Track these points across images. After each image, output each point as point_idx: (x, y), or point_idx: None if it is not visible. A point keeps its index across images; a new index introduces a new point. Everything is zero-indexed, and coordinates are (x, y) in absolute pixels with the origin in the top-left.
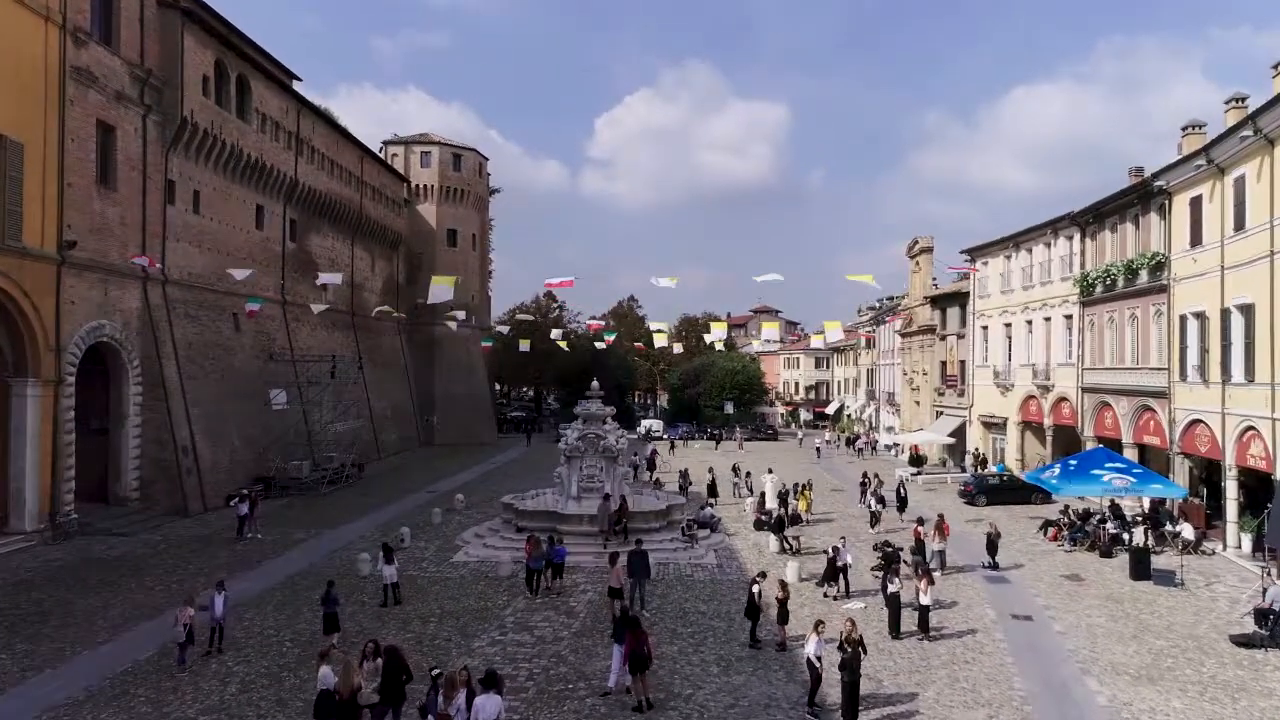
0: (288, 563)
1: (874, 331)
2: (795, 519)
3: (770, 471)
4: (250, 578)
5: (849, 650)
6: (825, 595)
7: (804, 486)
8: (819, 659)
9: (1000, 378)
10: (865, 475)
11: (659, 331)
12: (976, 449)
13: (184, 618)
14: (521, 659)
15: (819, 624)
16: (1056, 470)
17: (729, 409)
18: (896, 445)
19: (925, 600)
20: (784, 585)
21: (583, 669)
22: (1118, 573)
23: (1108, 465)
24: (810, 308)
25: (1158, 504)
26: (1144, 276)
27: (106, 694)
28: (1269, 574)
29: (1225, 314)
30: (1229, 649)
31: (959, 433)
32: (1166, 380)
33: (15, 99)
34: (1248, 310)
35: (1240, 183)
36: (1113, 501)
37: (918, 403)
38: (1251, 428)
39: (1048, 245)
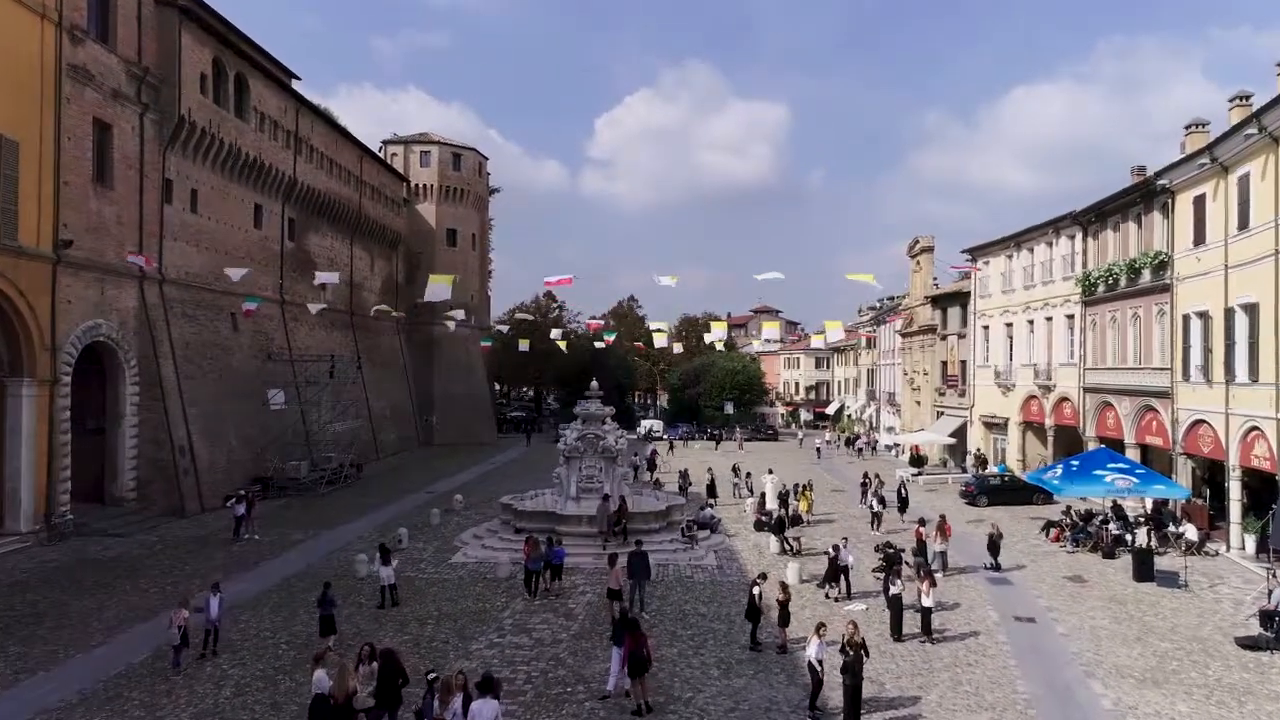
0: (285, 564)
1: (874, 331)
2: (796, 520)
3: (770, 472)
4: (247, 579)
5: (851, 653)
6: (827, 596)
7: (804, 487)
8: (820, 662)
9: (1001, 378)
10: (866, 476)
11: (659, 331)
12: (977, 449)
13: (178, 620)
14: (520, 661)
15: (820, 626)
16: (1059, 471)
17: (729, 409)
18: (897, 445)
19: (927, 602)
20: (785, 587)
21: (581, 672)
22: (1120, 574)
23: (1110, 466)
24: (810, 308)
25: (1160, 505)
26: (1147, 276)
27: (100, 697)
28: (1274, 575)
29: (1229, 313)
30: (1234, 651)
31: (960, 433)
32: (1169, 380)
33: (11, 97)
34: (1252, 309)
35: (1244, 181)
36: (1115, 502)
37: (918, 403)
38: (1255, 428)
39: (1049, 244)
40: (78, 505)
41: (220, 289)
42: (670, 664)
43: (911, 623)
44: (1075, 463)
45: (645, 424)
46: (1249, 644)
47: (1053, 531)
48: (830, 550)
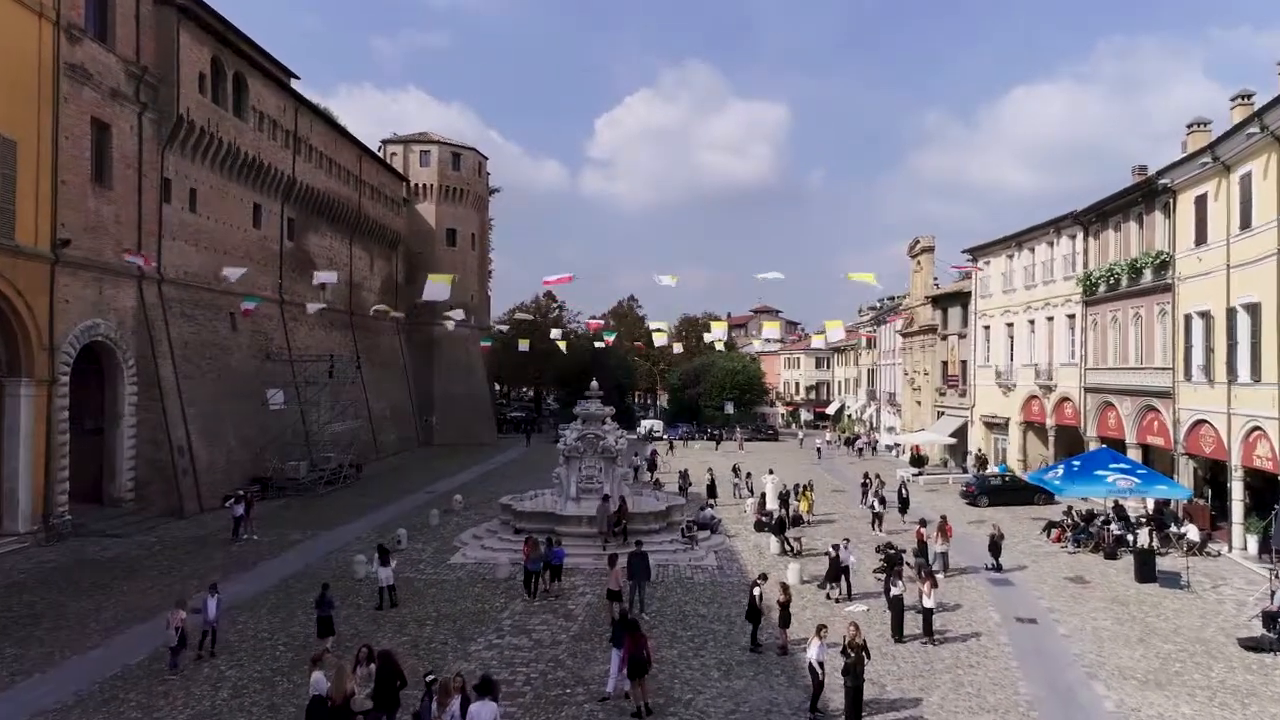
0: (283, 564)
1: (875, 331)
2: (796, 520)
3: (771, 472)
4: (245, 580)
5: (852, 655)
6: (828, 597)
7: (805, 487)
8: (821, 664)
9: (1002, 378)
10: (866, 476)
11: (658, 330)
12: (978, 449)
13: (175, 621)
14: (519, 663)
15: (821, 628)
16: (1060, 471)
17: (729, 409)
18: (897, 445)
19: (928, 603)
20: (785, 588)
21: (581, 673)
22: (1122, 575)
23: (1112, 466)
24: (811, 308)
25: (1162, 505)
26: (1148, 275)
27: (96, 699)
28: (1276, 576)
29: (1231, 313)
30: (1237, 653)
31: (960, 433)
32: (1171, 380)
33: (8, 96)
34: (1254, 309)
35: (1246, 180)
36: (1116, 502)
37: (919, 403)
38: (1258, 428)
39: (1050, 244)
40: (76, 506)
41: (219, 289)
42: (670, 665)
43: (912, 624)
44: (1077, 463)
45: (645, 424)
46: (1252, 645)
47: (1054, 532)
48: (831, 550)
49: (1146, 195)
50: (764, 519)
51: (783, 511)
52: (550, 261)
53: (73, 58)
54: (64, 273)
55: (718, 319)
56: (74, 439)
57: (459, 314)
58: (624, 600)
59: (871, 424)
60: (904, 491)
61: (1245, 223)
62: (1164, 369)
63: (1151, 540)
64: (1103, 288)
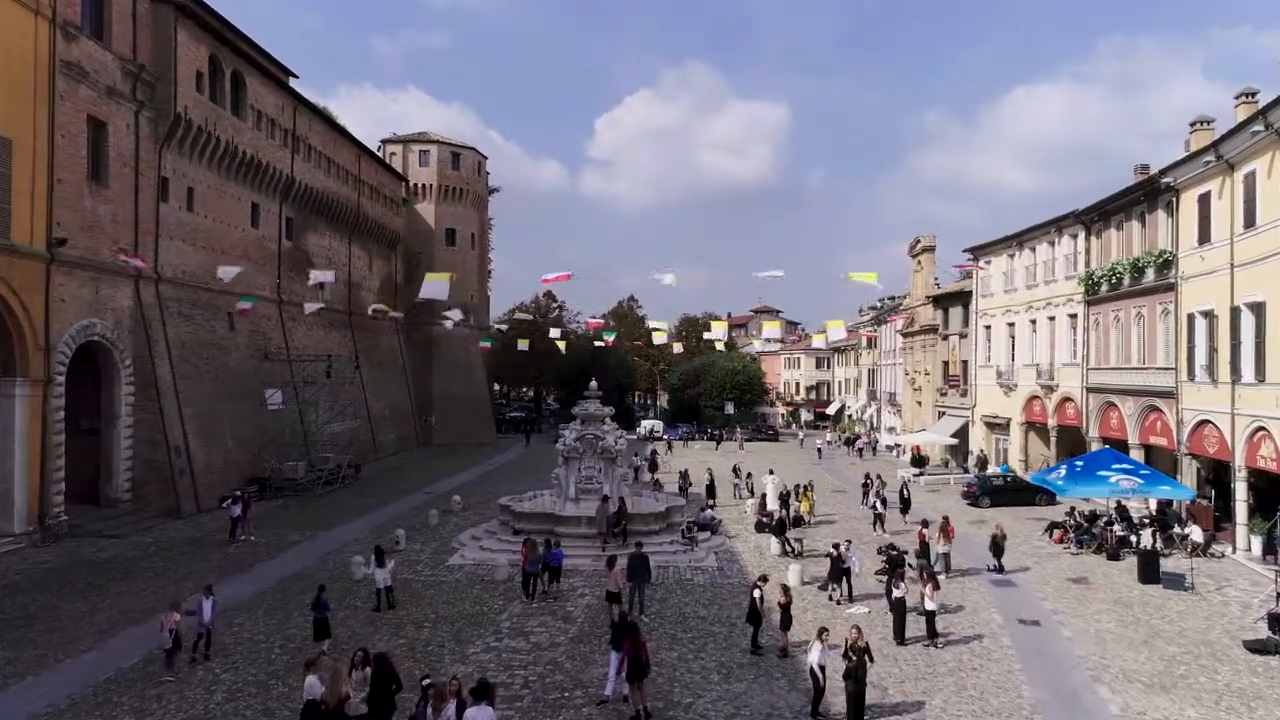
0: (281, 565)
1: (875, 331)
2: (797, 521)
3: (771, 472)
4: (242, 581)
5: (854, 658)
6: (830, 598)
7: (806, 488)
8: (822, 668)
9: (1003, 378)
10: (867, 476)
11: (657, 330)
12: (980, 450)
13: (170, 623)
14: (517, 666)
15: (822, 631)
16: (1063, 471)
17: (729, 409)
18: (898, 446)
19: (930, 605)
20: (786, 590)
21: (580, 676)
22: (1125, 576)
23: (1115, 466)
24: (811, 308)
25: (1165, 506)
26: (1150, 275)
27: (89, 702)
28: None
29: (1235, 312)
30: (1243, 655)
31: (961, 433)
32: (1174, 380)
33: (3, 94)
34: (1258, 309)
35: (1251, 179)
36: (1119, 503)
37: (919, 403)
38: (1262, 428)
39: (1052, 244)
40: (72, 506)
41: (217, 288)
42: (670, 668)
43: (914, 626)
44: (1079, 463)
45: (645, 424)
46: (1258, 648)
47: (1056, 533)
48: (832, 550)
49: (1149, 194)
50: (764, 520)
51: (783, 512)
52: (550, 261)
53: (69, 55)
54: (60, 272)
55: (718, 319)
56: (70, 439)
57: (457, 314)
58: (623, 602)
59: (872, 424)
60: (905, 492)
61: (1249, 221)
62: (1167, 369)
63: (1155, 541)
64: (1105, 287)
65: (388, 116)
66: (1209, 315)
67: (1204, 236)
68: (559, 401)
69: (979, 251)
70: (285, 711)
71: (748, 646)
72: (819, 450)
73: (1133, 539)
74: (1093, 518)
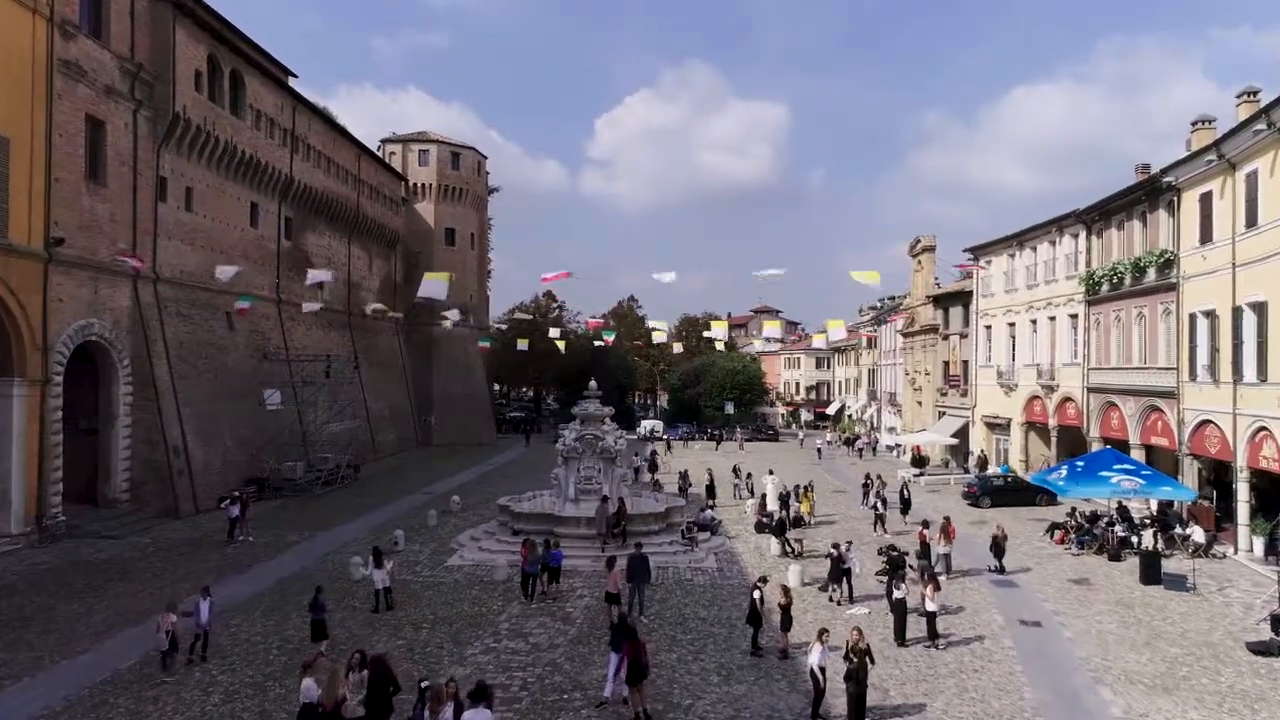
0: (279, 566)
1: (875, 331)
2: (797, 521)
3: (771, 473)
4: (239, 581)
5: (855, 660)
6: (830, 599)
7: (806, 488)
8: (822, 670)
9: (1004, 378)
10: (868, 477)
11: (656, 330)
12: (981, 450)
13: (166, 624)
14: (515, 667)
15: (823, 632)
16: (1064, 472)
17: (729, 409)
18: (898, 446)
19: (931, 606)
20: (786, 591)
21: (579, 678)
22: (1127, 577)
23: (1116, 467)
24: (811, 308)
25: (1166, 506)
26: (1152, 274)
27: (85, 704)
28: None
29: (1237, 312)
30: (1246, 657)
31: (962, 433)
32: (1175, 380)
33: (1, 93)
34: (1260, 308)
35: (1253, 178)
36: (1120, 504)
37: (920, 403)
38: (1264, 428)
39: (1053, 243)
40: (70, 507)
41: (215, 288)
42: (669, 670)
43: (915, 627)
44: (1080, 464)
45: (645, 424)
46: (1260, 649)
47: (1057, 533)
48: (832, 550)
49: (1150, 193)
50: (764, 520)
51: (783, 513)
52: (550, 262)
53: (67, 54)
54: (57, 271)
55: (718, 319)
56: (68, 439)
57: (455, 314)
58: (622, 603)
59: (872, 424)
60: (905, 492)
61: (1251, 220)
62: (1168, 369)
63: (1156, 542)
64: (1106, 287)
65: (388, 116)
66: (1210, 315)
67: (1206, 236)
68: (559, 401)
69: (979, 251)
70: (282, 714)
71: (748, 648)
72: (819, 450)
73: (1134, 540)
74: (1094, 518)
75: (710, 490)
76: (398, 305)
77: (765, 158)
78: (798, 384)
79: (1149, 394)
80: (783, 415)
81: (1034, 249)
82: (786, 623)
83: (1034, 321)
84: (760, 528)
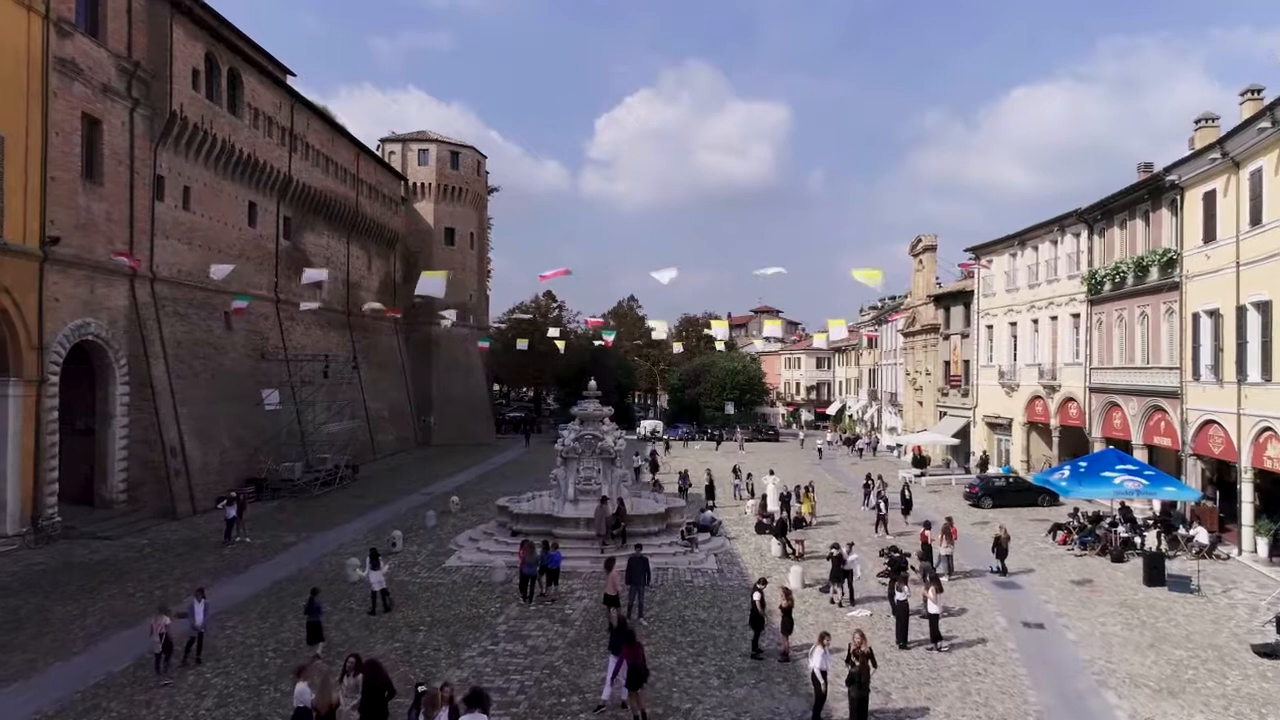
0: (276, 567)
1: (876, 331)
2: (798, 522)
3: (772, 473)
4: (236, 583)
5: (857, 663)
6: (832, 601)
7: (807, 489)
8: (824, 674)
9: (1005, 378)
10: (869, 477)
11: (654, 329)
12: (983, 450)
13: (159, 627)
14: (513, 670)
15: (824, 636)
16: (1066, 472)
17: (730, 409)
18: (899, 446)
19: (934, 609)
20: (788, 593)
21: (577, 681)
22: (1130, 578)
23: (1119, 467)
24: (811, 308)
25: (1169, 507)
26: (1154, 273)
27: (77, 708)
28: None
29: (1241, 311)
30: (1252, 659)
31: (963, 434)
32: (1178, 380)
33: None
34: (1265, 307)
35: (1257, 176)
36: (1123, 504)
37: (920, 403)
38: (1269, 428)
39: (1054, 243)
40: (67, 507)
41: (213, 287)
42: (669, 673)
43: (917, 629)
44: (1083, 464)
45: (646, 424)
46: (1266, 651)
47: (1060, 534)
48: (832, 550)
49: (1153, 192)
50: (765, 521)
51: (784, 513)
52: (550, 262)
53: (63, 52)
54: (53, 271)
55: (718, 318)
56: (65, 439)
57: (452, 313)
58: (621, 605)
59: (873, 424)
60: (906, 493)
61: (1255, 219)
62: (1171, 369)
63: (1160, 543)
64: (1108, 286)
65: (388, 116)
66: (1214, 314)
67: (1209, 235)
68: (559, 401)
69: (981, 251)
70: (276, 718)
71: (748, 650)
72: (819, 450)
73: (1137, 540)
74: (1096, 519)
75: (710, 491)
76: (397, 305)
77: (765, 158)
78: (798, 384)
79: (1152, 394)
80: (783, 415)
81: (1035, 248)
82: (788, 625)
83: (1035, 321)
84: (761, 528)
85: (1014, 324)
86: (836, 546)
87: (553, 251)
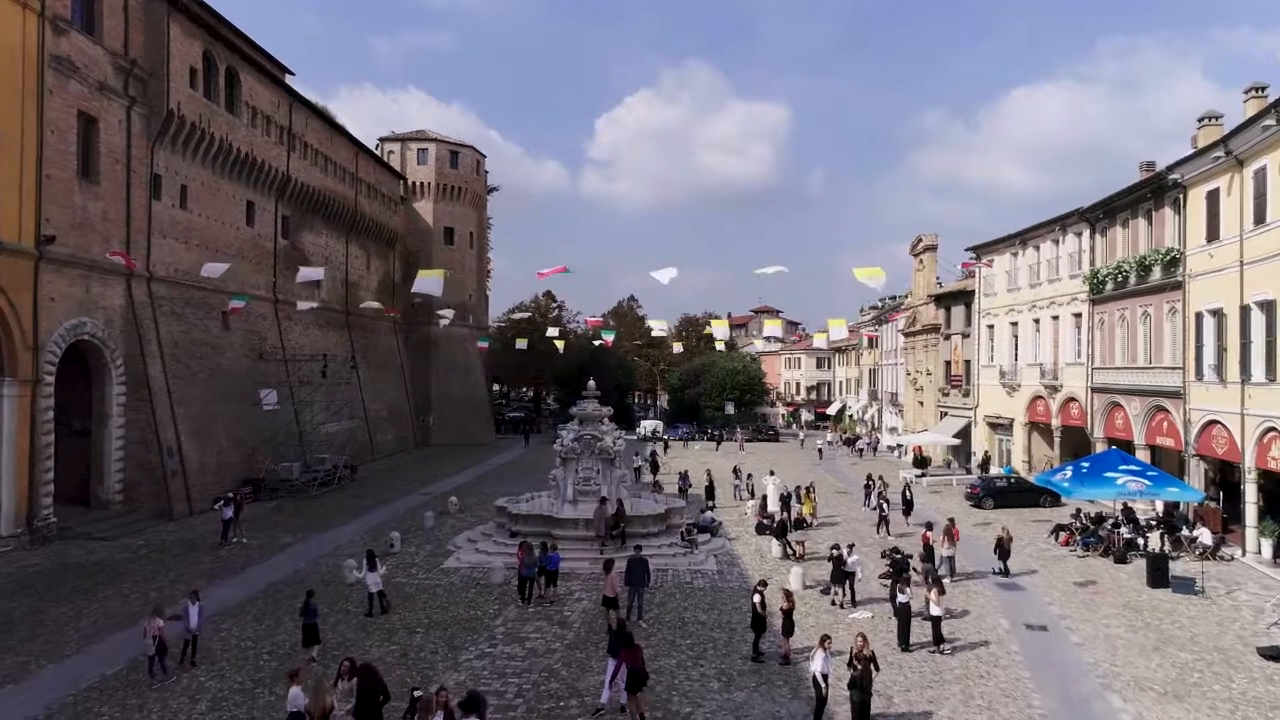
0: (272, 568)
1: (876, 331)
2: (799, 523)
3: (772, 473)
4: (232, 584)
5: (859, 667)
6: (833, 603)
7: (808, 489)
8: (825, 677)
9: (1006, 378)
10: (869, 478)
11: (654, 327)
12: (985, 450)
13: (152, 629)
14: (511, 673)
15: (825, 639)
16: (1069, 472)
17: (730, 409)
18: (900, 446)
19: (936, 611)
20: (789, 595)
21: (575, 684)
22: (1133, 579)
23: (1122, 468)
24: (811, 307)
25: (1172, 508)
26: (1157, 273)
27: (69, 711)
28: None
29: (1244, 311)
30: (1258, 662)
31: (964, 434)
32: (1181, 380)
33: None
34: (1268, 306)
35: (1261, 175)
36: (1125, 505)
37: (921, 403)
38: (1273, 429)
39: (1056, 242)
40: (63, 508)
41: (210, 286)
42: (669, 675)
43: (919, 631)
44: (1085, 464)
45: (646, 424)
46: (1272, 654)
47: (1062, 535)
48: (833, 551)
49: (1155, 191)
50: (765, 522)
51: (784, 514)
52: (550, 262)
53: (58, 50)
54: (49, 270)
55: (718, 318)
56: (61, 440)
57: (450, 312)
58: (620, 607)
59: (873, 424)
60: (908, 493)
61: (1259, 218)
62: (1174, 368)
63: (1163, 544)
64: (1110, 285)
65: (388, 116)
66: (1217, 314)
67: (1212, 234)
68: (558, 401)
69: (982, 250)
70: None
71: (749, 653)
72: (820, 451)
73: (1140, 541)
74: (1099, 520)
75: (710, 491)
76: (396, 304)
77: (765, 158)
78: (798, 384)
79: (1154, 394)
80: (783, 415)
81: (1037, 248)
82: (788, 627)
83: (1037, 321)
84: (761, 529)
85: (1015, 324)
86: (837, 547)
87: (553, 251)
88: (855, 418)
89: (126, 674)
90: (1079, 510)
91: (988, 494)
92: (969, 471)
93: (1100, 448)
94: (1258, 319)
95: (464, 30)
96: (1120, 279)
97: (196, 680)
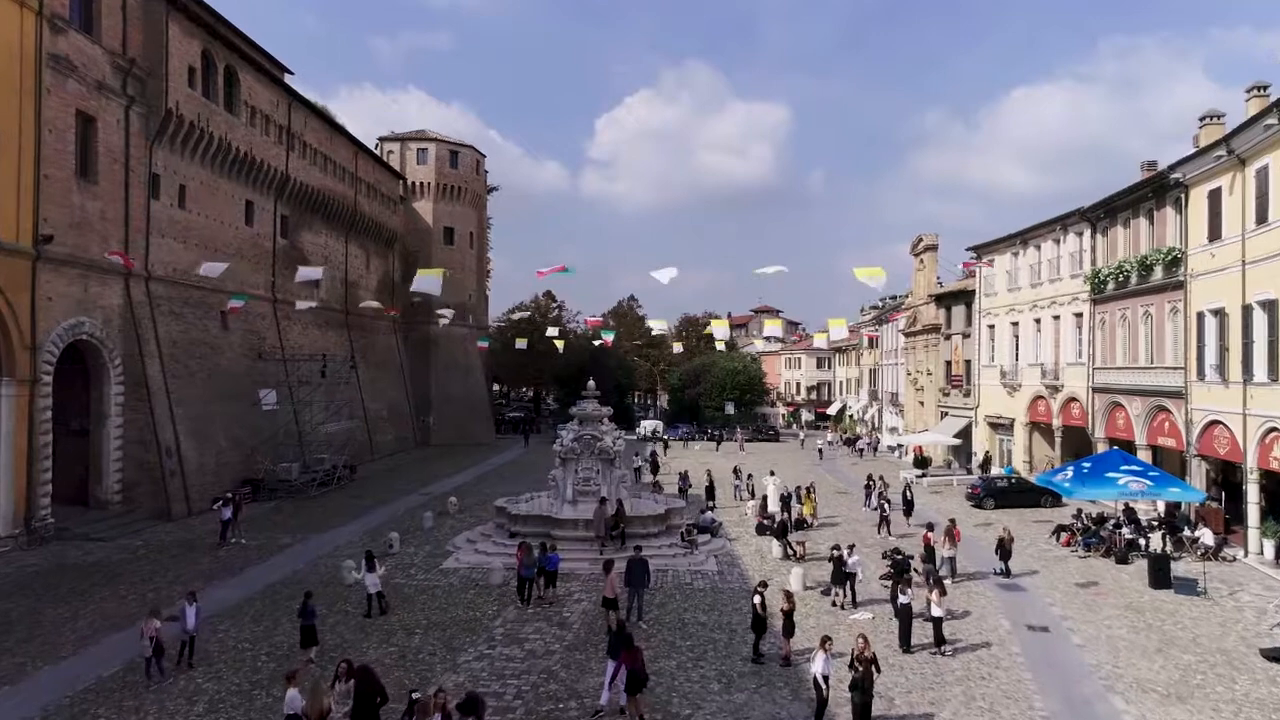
0: (271, 569)
1: (877, 331)
2: (799, 523)
3: (772, 473)
4: (230, 585)
5: (860, 669)
6: (834, 604)
7: (808, 489)
8: (825, 679)
9: (1007, 377)
10: (870, 478)
11: (655, 326)
12: (986, 451)
13: (149, 631)
14: (509, 675)
15: (826, 640)
16: (1070, 473)
17: (730, 409)
18: (900, 446)
19: (938, 611)
20: (789, 596)
21: (575, 686)
22: (1135, 580)
23: (1123, 468)
24: (812, 307)
25: (1173, 508)
26: (1159, 272)
27: (65, 713)
28: None
29: (1246, 310)
30: (1261, 663)
31: (964, 434)
32: (1183, 380)
33: None
34: (1270, 306)
35: (1263, 174)
36: (1127, 505)
37: (922, 403)
38: (1275, 429)
39: (1057, 242)
40: (61, 508)
41: (209, 286)
42: (669, 677)
43: (920, 633)
44: (1087, 465)
45: (646, 424)
46: (1275, 655)
47: (1064, 536)
48: (834, 552)
49: (1157, 191)
50: (766, 522)
51: (785, 514)
52: (550, 262)
53: (56, 49)
54: (46, 269)
55: (718, 318)
56: (59, 440)
57: (449, 312)
58: (620, 608)
59: (874, 424)
60: (908, 494)
61: (1261, 217)
62: (1175, 368)
63: (1165, 545)
64: (1111, 285)
65: (388, 116)
66: (1219, 313)
67: (1214, 233)
68: (558, 401)
69: (982, 250)
70: None
71: (749, 654)
72: (820, 451)
73: (1142, 542)
74: (1100, 520)
75: (710, 492)
76: (396, 304)
77: (766, 158)
78: (798, 384)
79: (1156, 394)
80: (783, 415)
81: (1038, 247)
82: (789, 628)
83: (1038, 321)
84: (761, 530)
85: (1016, 324)
86: (838, 548)
87: (553, 251)
88: (855, 418)
89: (123, 675)
90: (1080, 511)
91: (989, 494)
92: (970, 472)
93: (1101, 448)
94: (1260, 319)
95: (464, 30)
96: (1121, 279)
97: (194, 682)
